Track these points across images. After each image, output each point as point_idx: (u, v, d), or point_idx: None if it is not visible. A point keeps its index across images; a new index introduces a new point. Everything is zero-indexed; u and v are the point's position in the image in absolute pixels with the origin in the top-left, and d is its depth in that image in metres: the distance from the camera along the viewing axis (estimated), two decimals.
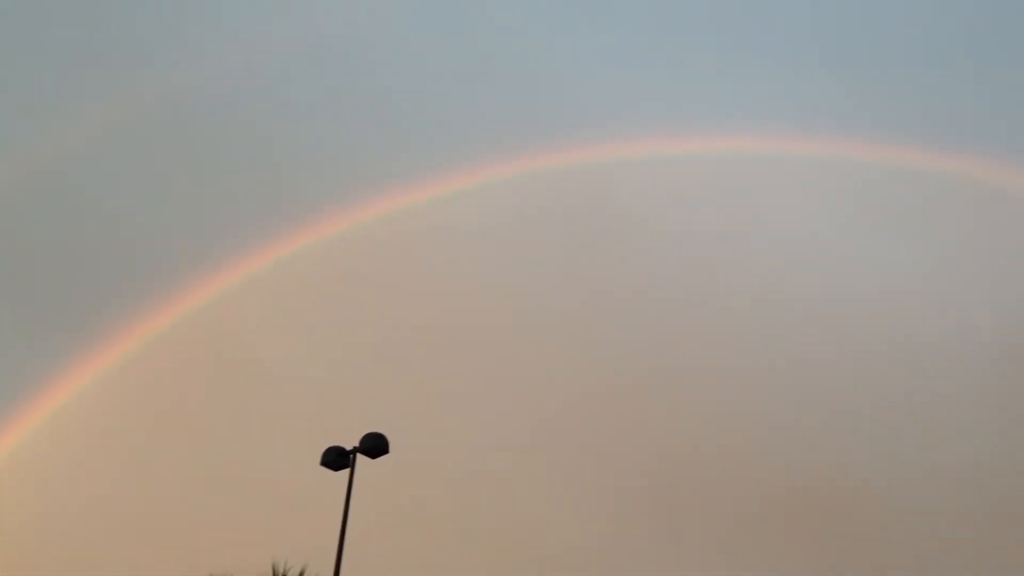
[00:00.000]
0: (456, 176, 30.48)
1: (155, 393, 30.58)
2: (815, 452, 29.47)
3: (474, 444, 29.82)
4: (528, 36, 35.06)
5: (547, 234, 33.95)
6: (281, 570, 16.75)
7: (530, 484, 29.33)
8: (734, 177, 33.06)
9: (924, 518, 27.07)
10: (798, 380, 31.02)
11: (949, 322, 31.02)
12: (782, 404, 30.94)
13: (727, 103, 33.24)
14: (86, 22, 33.34)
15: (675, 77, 35.08)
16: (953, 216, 32.02)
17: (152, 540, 26.52)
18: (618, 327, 33.05)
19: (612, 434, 31.07)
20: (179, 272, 30.47)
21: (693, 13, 35.46)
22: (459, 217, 32.58)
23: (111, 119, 31.59)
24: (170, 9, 34.11)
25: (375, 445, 16.16)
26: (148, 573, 24.59)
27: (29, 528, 26.57)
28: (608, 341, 32.84)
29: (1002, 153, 30.20)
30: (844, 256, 32.64)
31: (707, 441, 30.62)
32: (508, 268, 33.95)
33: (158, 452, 29.31)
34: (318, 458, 16.33)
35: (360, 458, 16.35)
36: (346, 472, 16.08)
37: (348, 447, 16.32)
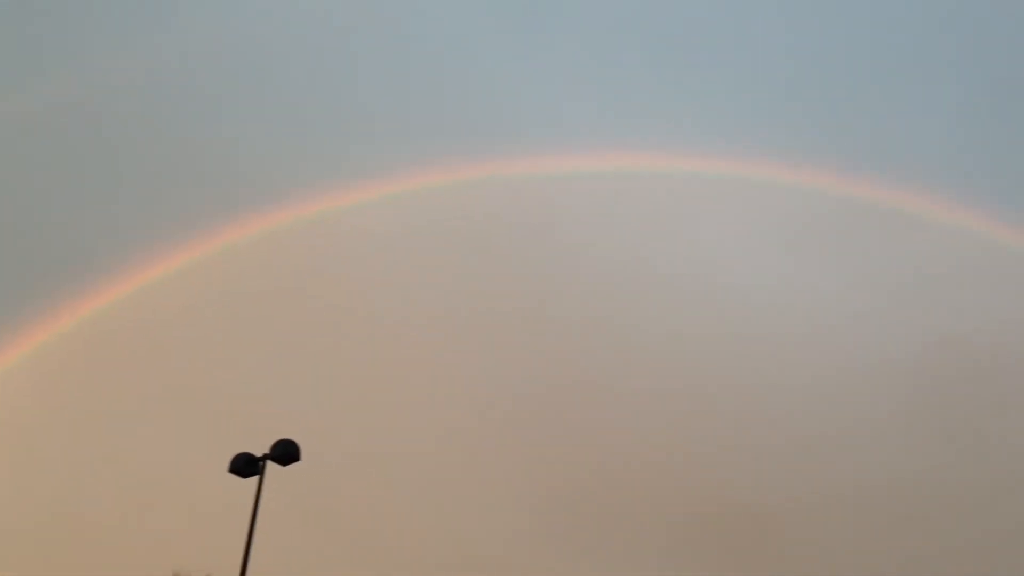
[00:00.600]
0: (373, 184, 30.23)
1: (56, 397, 29.47)
2: (738, 468, 29.87)
3: (388, 453, 29.47)
4: (462, 51, 35.01)
5: (473, 243, 33.84)
6: None
7: (447, 494, 29.11)
8: (655, 194, 33.48)
9: (842, 531, 27.67)
10: (723, 398, 31.50)
11: (864, 344, 31.78)
12: (707, 421, 31.32)
13: (653, 122, 33.61)
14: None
15: (602, 96, 35.38)
16: (869, 241, 32.92)
17: (52, 547, 25.51)
18: (541, 339, 33.09)
19: (532, 446, 31.08)
20: (85, 274, 29.51)
21: (627, 34, 35.85)
22: (375, 224, 32.31)
23: None
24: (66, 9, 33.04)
25: (286, 452, 15.73)
26: None
27: None
28: (532, 353, 32.86)
29: (918, 182, 31.18)
30: (760, 277, 33.27)
31: (632, 456, 30.82)
32: (429, 276, 33.76)
33: (59, 457, 28.26)
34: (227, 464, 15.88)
35: (271, 465, 15.92)
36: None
37: (259, 454, 15.90)
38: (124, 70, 31.38)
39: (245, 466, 15.72)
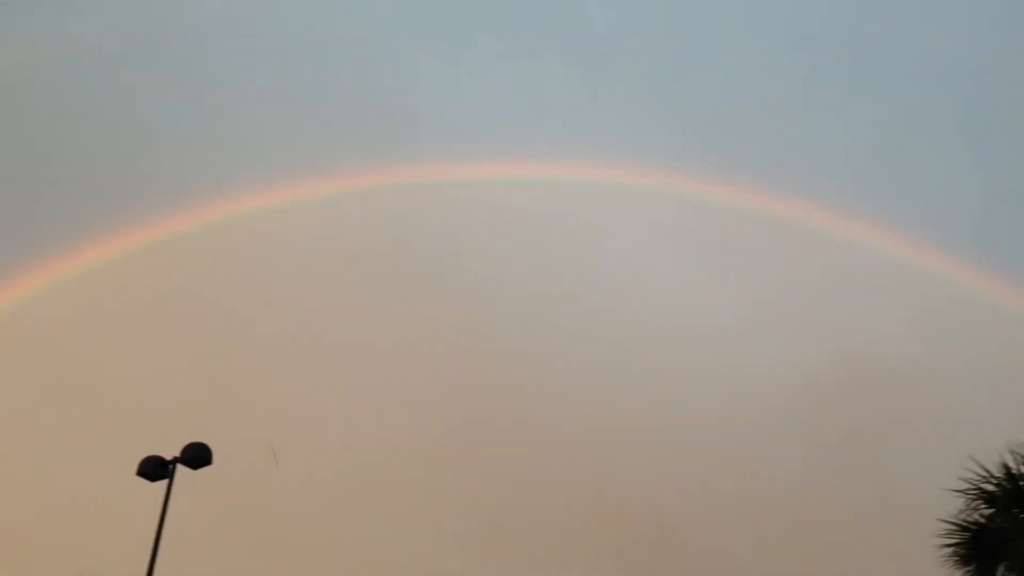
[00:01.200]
0: (285, 188, 30.08)
1: None
2: (638, 476, 30.40)
3: (301, 459, 29.26)
4: (377, 54, 34.97)
5: (382, 249, 33.80)
6: None
7: (357, 501, 29.04)
8: (571, 204, 33.99)
9: (735, 540, 28.39)
10: (620, 407, 31.98)
11: (761, 356, 32.67)
12: (606, 430, 31.76)
13: (569, 131, 34.10)
14: None
15: (518, 102, 35.71)
16: (776, 257, 33.92)
17: None
18: (447, 345, 33.23)
19: (449, 452, 31.16)
20: None
21: (547, 41, 36.25)
22: (285, 229, 32.13)
23: None
24: None
25: (197, 456, 15.61)
26: None
27: None
28: (439, 358, 32.97)
29: (821, 197, 32.24)
30: (660, 288, 33.97)
31: (537, 464, 31.14)
32: (340, 281, 33.61)
33: None
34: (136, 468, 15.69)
35: (181, 469, 15.78)
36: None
37: (168, 457, 15.75)
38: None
39: (154, 469, 15.56)
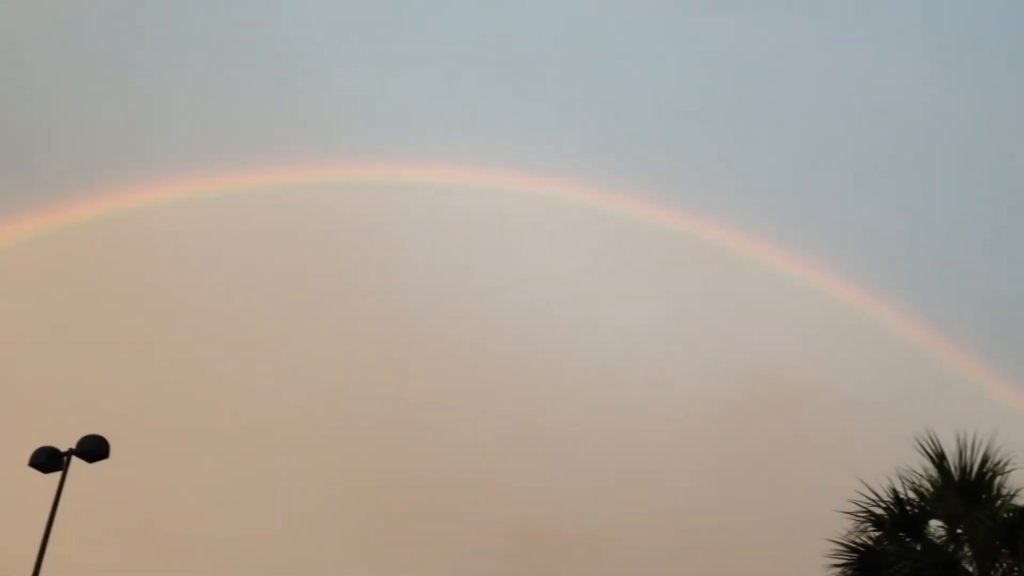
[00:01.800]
0: (189, 181, 29.49)
1: None
2: (549, 490, 30.57)
3: (202, 455, 28.73)
4: (304, 53, 34.55)
5: (297, 246, 33.42)
6: None
7: (255, 500, 28.60)
8: (486, 210, 34.10)
9: (647, 555, 28.79)
10: (538, 419, 32.18)
11: (678, 373, 33.26)
12: (523, 440, 31.93)
13: (496, 140, 34.27)
14: None
15: (447, 109, 35.72)
16: (686, 273, 34.55)
17: None
18: (353, 347, 33.00)
19: (347, 455, 30.88)
20: None
21: (479, 51, 36.39)
22: (200, 221, 31.52)
23: None
24: None
25: (94, 448, 15.17)
26: None
27: None
28: (343, 361, 32.68)
29: (746, 222, 33.00)
30: (585, 299, 34.34)
31: (452, 475, 31.08)
32: (246, 276, 33.09)
33: None
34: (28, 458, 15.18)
35: (76, 462, 15.32)
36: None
37: (64, 448, 15.28)
38: None
39: (48, 460, 15.09)
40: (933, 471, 14.11)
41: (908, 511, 14.03)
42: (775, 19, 34.52)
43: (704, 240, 32.74)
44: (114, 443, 15.46)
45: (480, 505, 29.83)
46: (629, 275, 34.62)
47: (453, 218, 33.94)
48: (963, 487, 13.79)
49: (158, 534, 26.51)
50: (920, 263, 32.86)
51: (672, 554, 28.65)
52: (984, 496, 13.75)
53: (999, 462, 13.84)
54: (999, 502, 13.69)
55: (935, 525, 14.06)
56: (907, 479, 14.12)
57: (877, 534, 14.13)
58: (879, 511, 14.12)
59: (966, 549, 13.63)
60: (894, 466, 14.34)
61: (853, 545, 14.08)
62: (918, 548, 13.83)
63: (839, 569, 14.11)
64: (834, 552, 14.13)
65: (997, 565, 13.48)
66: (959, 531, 13.75)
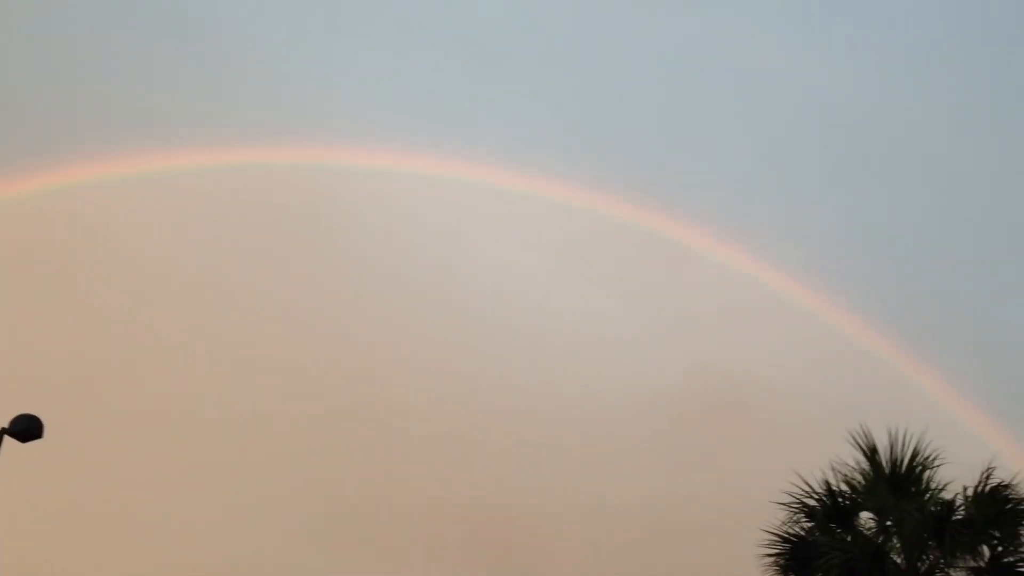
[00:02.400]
0: (144, 158, 29.04)
1: None
2: (499, 478, 30.64)
3: (142, 443, 28.38)
4: (258, 35, 34.08)
5: (248, 230, 32.99)
6: None
7: (199, 488, 28.32)
8: (441, 200, 34.01)
9: (592, 543, 29.03)
10: (487, 408, 32.20)
11: (629, 368, 33.48)
12: (472, 429, 31.92)
13: (450, 129, 34.09)
14: None
15: (400, 95, 35.46)
16: (649, 272, 34.77)
17: None
18: (306, 335, 32.71)
19: (291, 441, 30.65)
20: None
21: (433, 38, 36.13)
22: (145, 201, 31.02)
23: None
24: None
25: (26, 428, 14.87)
26: None
27: None
28: (297, 346, 32.40)
29: (701, 218, 33.26)
30: (541, 293, 34.42)
31: (399, 461, 31.04)
32: (197, 257, 32.61)
33: None
34: None
35: (9, 441, 15.05)
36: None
37: None
38: None
39: None
40: (865, 464, 14.41)
41: (840, 503, 14.33)
42: (737, 18, 34.79)
43: (664, 238, 33.03)
44: (49, 424, 15.18)
45: (438, 490, 29.87)
46: (588, 271, 34.79)
47: (409, 210, 33.82)
48: (893, 480, 14.10)
49: (89, 517, 26.12)
50: (866, 263, 33.43)
51: (621, 539, 28.98)
52: (913, 489, 14.08)
53: (928, 457, 14.18)
54: (927, 495, 14.02)
55: (866, 517, 14.37)
56: (840, 472, 14.42)
57: (810, 525, 14.41)
58: (812, 503, 14.41)
59: (895, 541, 13.94)
60: (829, 460, 14.64)
61: (786, 535, 14.35)
62: (849, 539, 14.11)
63: (772, 559, 14.38)
64: (768, 542, 14.42)
65: (924, 557, 13.80)
66: (888, 523, 14.06)
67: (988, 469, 13.81)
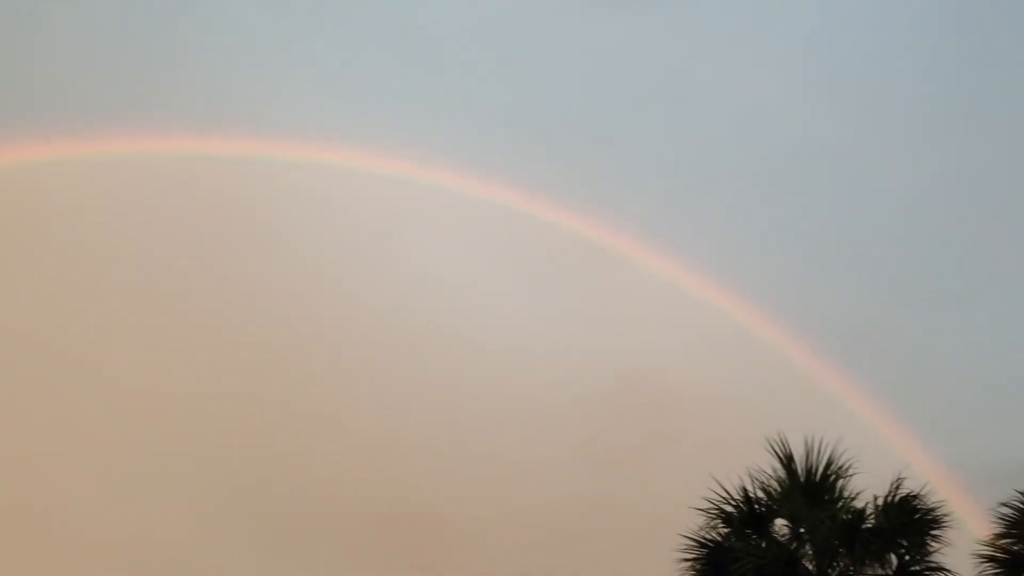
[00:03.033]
0: (55, 142, 28.29)
1: None
2: (428, 479, 30.52)
3: (52, 430, 27.70)
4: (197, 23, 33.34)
5: (181, 219, 32.32)
6: None
7: (104, 487, 27.73)
8: (378, 197, 33.72)
9: (511, 548, 29.08)
10: (416, 408, 32.06)
11: (558, 373, 33.55)
12: (399, 430, 31.75)
13: (387, 125, 33.76)
14: None
15: (340, 89, 35.08)
16: (569, 273, 34.89)
17: None
18: (228, 328, 32.17)
19: (226, 440, 30.18)
20: None
21: (373, 33, 35.76)
22: (49, 188, 30.23)
23: None
24: None
25: None
26: None
27: None
28: (219, 340, 31.87)
29: (631, 224, 33.53)
30: (469, 293, 34.32)
31: (321, 458, 30.72)
32: (120, 245, 31.85)
33: None
34: None
35: None
36: None
37: None
38: None
39: None
40: (782, 472, 14.72)
41: (756, 509, 14.63)
42: (671, 23, 35.16)
43: (589, 241, 33.23)
44: None
45: (356, 489, 29.65)
46: (512, 272, 34.76)
47: (334, 202, 33.45)
48: (808, 488, 14.44)
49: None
50: (791, 273, 34.03)
51: (543, 542, 29.12)
52: (827, 498, 14.43)
53: (842, 466, 14.55)
54: (840, 503, 14.38)
55: (780, 524, 14.69)
56: (758, 479, 14.72)
57: (726, 531, 14.67)
58: (730, 509, 14.68)
59: (807, 548, 14.28)
60: (746, 466, 14.92)
61: (703, 541, 14.59)
62: (763, 545, 14.40)
63: (689, 563, 14.61)
64: (686, 547, 14.65)
65: (835, 564, 14.18)
66: (802, 530, 14.40)
67: (898, 479, 14.25)
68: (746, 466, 14.88)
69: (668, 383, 32.35)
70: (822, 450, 14.49)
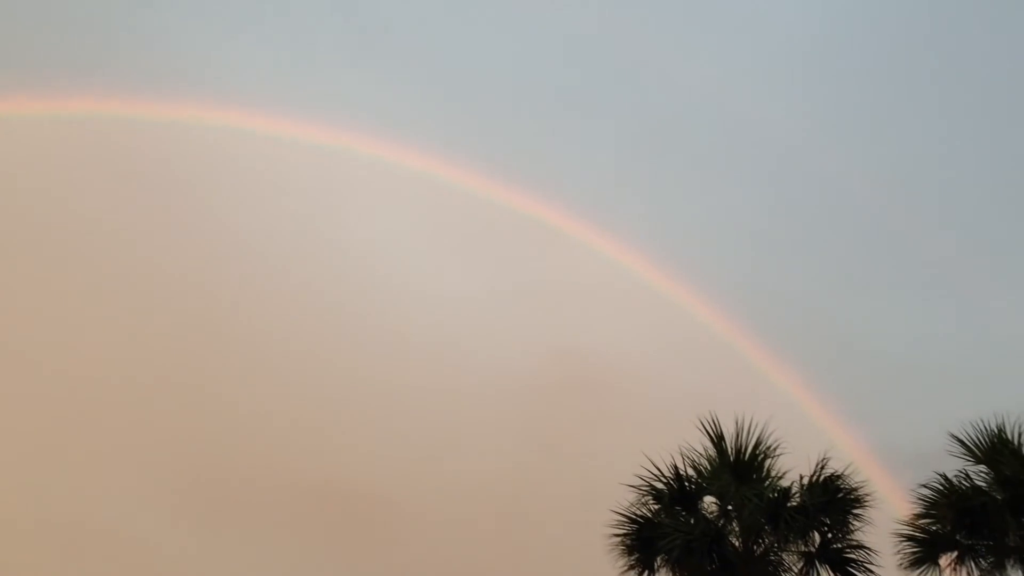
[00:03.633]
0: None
1: None
2: (350, 454, 30.35)
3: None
4: None
5: (110, 181, 31.49)
6: None
7: (49, 472, 27.13)
8: (323, 168, 33.32)
9: (448, 523, 29.13)
10: (344, 376, 31.82)
11: (487, 347, 33.58)
12: (328, 406, 31.47)
13: (332, 96, 33.34)
14: None
15: (284, 58, 34.48)
16: (512, 249, 34.94)
17: None
18: (155, 309, 31.54)
19: (145, 421, 29.61)
20: None
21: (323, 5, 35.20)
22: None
23: None
24: None
25: None
26: None
27: None
28: (142, 323, 31.21)
29: (568, 200, 33.59)
30: (408, 268, 34.12)
31: (250, 431, 30.36)
32: (58, 210, 30.94)
33: None
34: None
35: None
36: None
37: None
38: None
39: None
40: (712, 451, 15.00)
41: (686, 487, 14.90)
42: (621, 14, 35.21)
43: (533, 218, 33.23)
44: None
45: (294, 476, 29.38)
46: (454, 247, 34.66)
47: (270, 172, 32.94)
48: (737, 467, 14.75)
49: None
50: (728, 258, 34.50)
51: (475, 518, 29.21)
52: (754, 476, 14.75)
53: (771, 446, 14.88)
54: (767, 482, 14.70)
55: (709, 501, 14.98)
56: (688, 457, 14.97)
57: (657, 507, 14.91)
58: (660, 486, 14.92)
59: (734, 525, 14.59)
60: (678, 445, 15.15)
61: (633, 516, 14.81)
62: (692, 522, 14.66)
63: (619, 539, 14.83)
64: (616, 523, 14.86)
65: (760, 541, 14.52)
66: (729, 508, 14.69)
67: (823, 460, 14.64)
68: (677, 444, 15.16)
69: (600, 360, 32.57)
70: (752, 430, 14.82)
